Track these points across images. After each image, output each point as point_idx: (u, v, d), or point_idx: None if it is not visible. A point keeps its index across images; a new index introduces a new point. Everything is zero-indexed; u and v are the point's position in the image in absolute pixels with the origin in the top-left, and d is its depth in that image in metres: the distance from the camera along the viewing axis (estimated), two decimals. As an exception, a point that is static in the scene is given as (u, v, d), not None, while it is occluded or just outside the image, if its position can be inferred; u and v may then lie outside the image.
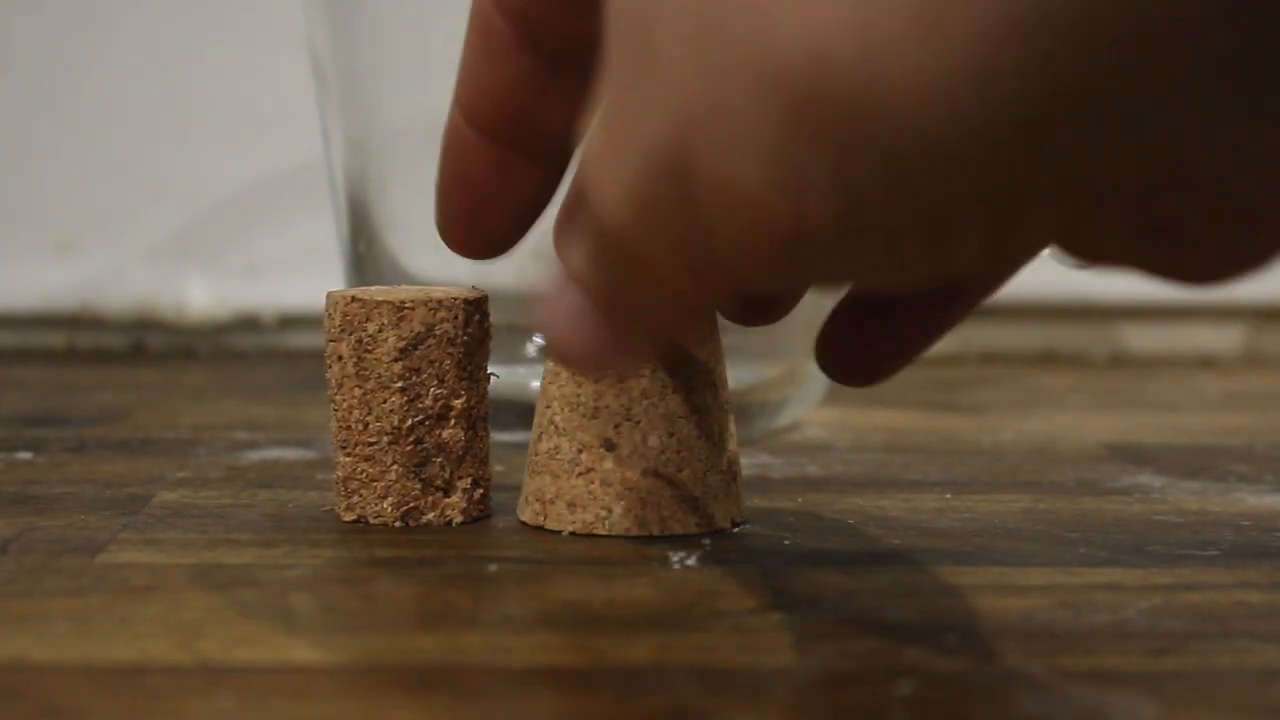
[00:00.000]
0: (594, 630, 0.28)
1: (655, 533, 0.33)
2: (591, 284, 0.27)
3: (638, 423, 0.33)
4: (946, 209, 0.21)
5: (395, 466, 0.34)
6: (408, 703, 0.24)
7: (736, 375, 0.45)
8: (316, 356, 0.38)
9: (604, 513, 0.33)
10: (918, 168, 0.20)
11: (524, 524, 0.35)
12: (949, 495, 0.38)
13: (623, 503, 0.33)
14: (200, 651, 0.26)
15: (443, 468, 0.34)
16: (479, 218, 0.31)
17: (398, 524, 0.34)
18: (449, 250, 0.32)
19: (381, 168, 0.46)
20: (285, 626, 0.28)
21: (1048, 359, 0.65)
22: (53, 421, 0.48)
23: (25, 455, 0.42)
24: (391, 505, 0.34)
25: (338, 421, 0.35)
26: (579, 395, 0.33)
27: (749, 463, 0.42)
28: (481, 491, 0.35)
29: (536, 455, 0.34)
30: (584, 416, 0.33)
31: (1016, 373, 0.60)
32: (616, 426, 0.33)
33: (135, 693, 0.25)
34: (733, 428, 0.34)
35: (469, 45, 0.30)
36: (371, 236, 0.46)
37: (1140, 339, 0.66)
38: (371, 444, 0.34)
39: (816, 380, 0.47)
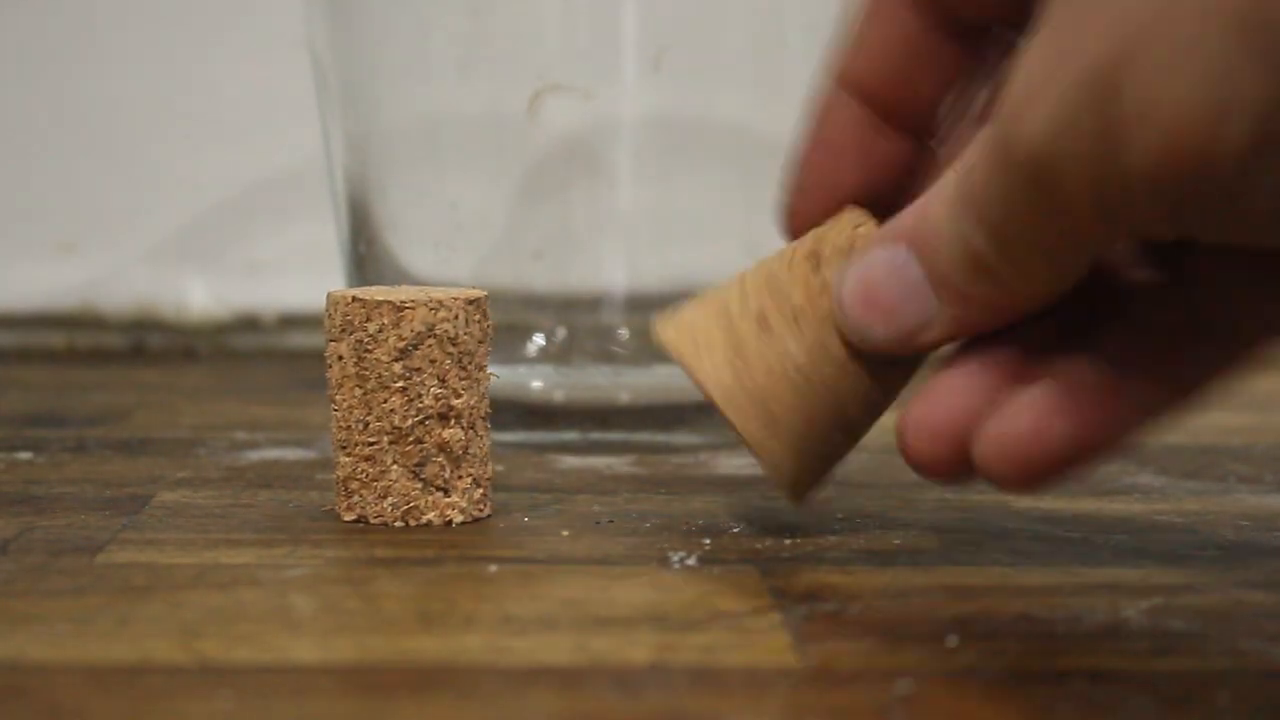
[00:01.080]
0: (594, 630, 0.28)
1: (734, 425, 0.31)
2: (963, 239, 0.27)
3: (800, 333, 0.31)
4: None
5: (395, 466, 0.34)
6: (408, 703, 0.24)
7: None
8: (316, 356, 0.38)
9: (714, 369, 0.31)
10: None
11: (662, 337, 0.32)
12: (949, 495, 0.38)
13: (734, 378, 0.31)
14: (200, 651, 0.26)
15: (443, 468, 0.34)
16: (834, 190, 0.32)
17: (398, 524, 0.34)
18: (787, 225, 0.32)
19: (381, 168, 0.46)
20: (285, 626, 0.28)
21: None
22: (53, 421, 0.48)
23: (25, 455, 0.42)
24: (391, 505, 0.34)
25: (338, 421, 0.35)
26: (779, 276, 0.31)
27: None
28: (481, 491, 0.35)
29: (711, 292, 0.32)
30: (770, 291, 0.31)
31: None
32: (779, 317, 0.31)
33: (135, 693, 0.25)
34: (861, 431, 0.32)
35: (861, 13, 0.31)
36: (371, 236, 0.46)
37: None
38: (371, 444, 0.34)
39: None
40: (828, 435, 0.31)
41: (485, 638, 0.27)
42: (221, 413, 0.50)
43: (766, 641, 0.27)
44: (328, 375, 0.35)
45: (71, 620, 0.28)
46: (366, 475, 0.34)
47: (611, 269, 0.46)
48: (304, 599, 0.29)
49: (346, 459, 0.35)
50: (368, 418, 0.34)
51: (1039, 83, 0.25)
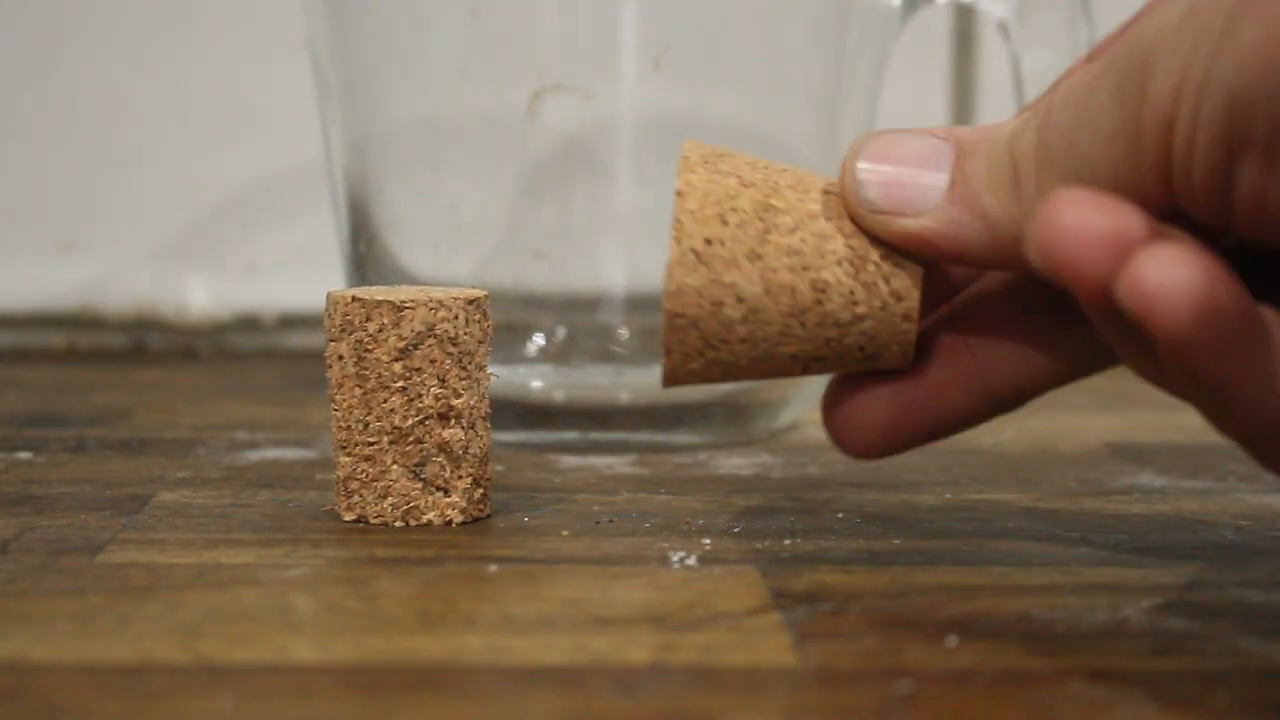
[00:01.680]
0: (594, 630, 0.28)
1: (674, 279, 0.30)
2: (1012, 140, 0.28)
3: (821, 230, 0.30)
4: None
5: (395, 466, 0.34)
6: (408, 703, 0.24)
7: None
8: (316, 356, 0.38)
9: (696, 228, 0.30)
10: None
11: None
12: (949, 495, 0.38)
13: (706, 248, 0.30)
14: (200, 651, 0.26)
15: (443, 468, 0.34)
16: None
17: (398, 524, 0.34)
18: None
19: (381, 168, 0.46)
20: (285, 626, 0.28)
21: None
22: (53, 421, 0.48)
23: (25, 455, 0.42)
24: (391, 505, 0.34)
25: (338, 421, 0.35)
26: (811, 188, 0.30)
27: (749, 462, 0.42)
28: (481, 491, 0.35)
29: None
30: (801, 192, 0.30)
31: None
32: (786, 217, 0.30)
33: (135, 693, 0.25)
34: (780, 373, 0.31)
35: None
36: (371, 236, 0.46)
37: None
38: (371, 444, 0.34)
39: (817, 380, 0.47)
40: (750, 354, 0.31)
41: (485, 638, 0.27)
42: (221, 413, 0.50)
43: (766, 641, 0.27)
44: (328, 375, 0.35)
45: (71, 620, 0.28)
46: (366, 475, 0.34)
47: (611, 269, 0.46)
48: (304, 599, 0.29)
49: (346, 459, 0.35)
50: (368, 418, 0.34)
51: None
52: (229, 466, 0.41)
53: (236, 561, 0.32)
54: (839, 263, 0.30)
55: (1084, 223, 0.24)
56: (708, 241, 0.30)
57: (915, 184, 0.29)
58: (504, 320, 0.44)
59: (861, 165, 0.30)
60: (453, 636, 0.27)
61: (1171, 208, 0.26)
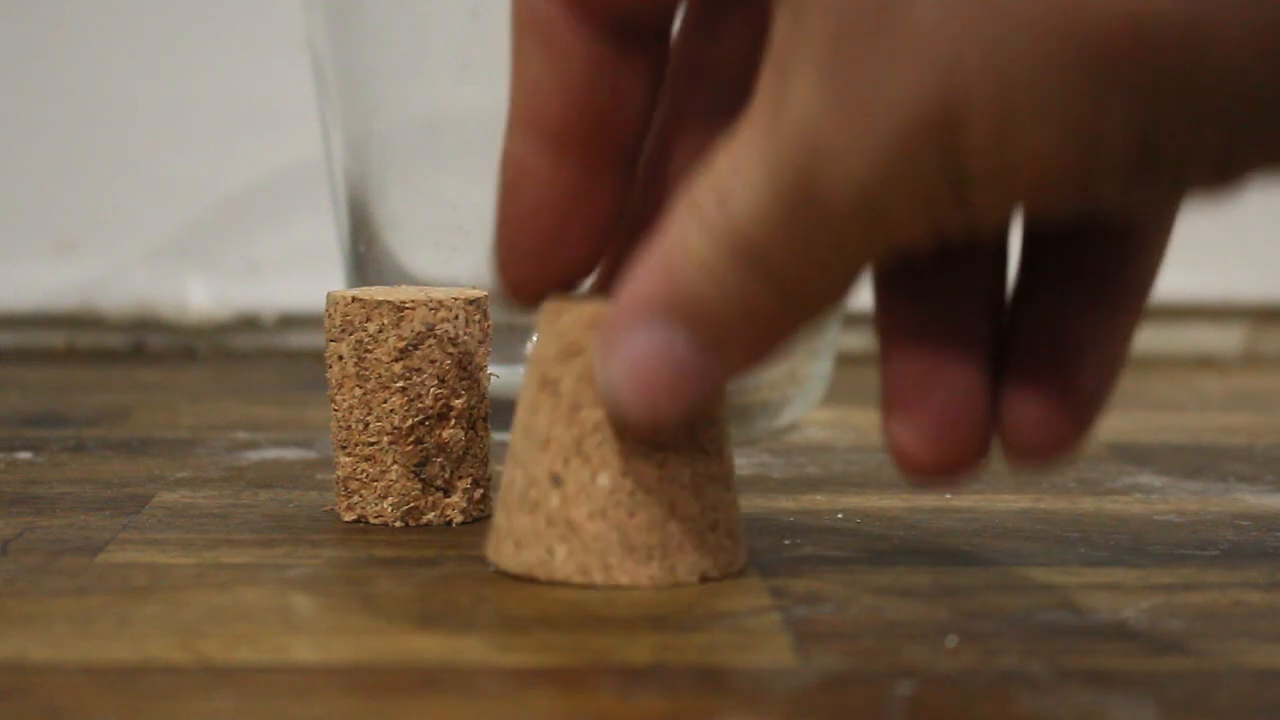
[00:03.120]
0: (594, 630, 0.28)
1: (599, 581, 0.30)
2: (743, 294, 0.25)
3: (588, 458, 0.30)
4: (1233, 138, 0.22)
5: (395, 466, 0.34)
6: (408, 703, 0.24)
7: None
8: (316, 356, 0.38)
9: (546, 555, 0.30)
10: (1223, 105, 0.22)
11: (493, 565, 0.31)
12: (949, 495, 0.38)
13: (566, 545, 0.30)
14: (200, 651, 0.26)
15: (443, 468, 0.34)
16: (554, 253, 0.29)
17: (398, 524, 0.34)
18: (513, 299, 0.30)
19: (381, 168, 0.46)
20: (285, 626, 0.28)
21: (1048, 359, 0.65)
22: (53, 421, 0.48)
23: (25, 455, 0.42)
24: (391, 505, 0.34)
25: (338, 422, 0.35)
26: (534, 423, 0.30)
27: (749, 462, 0.42)
28: (481, 492, 0.35)
29: (501, 487, 0.32)
30: (537, 447, 0.30)
31: (1016, 373, 0.60)
32: (565, 460, 0.30)
33: (135, 693, 0.25)
34: (721, 469, 0.31)
35: (520, 54, 0.28)
36: (371, 236, 0.46)
37: (1140, 339, 0.66)
38: (372, 444, 0.34)
39: (816, 380, 0.47)
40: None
41: (485, 638, 0.27)
42: (221, 413, 0.50)
43: (766, 641, 0.27)
44: (328, 375, 0.35)
45: (71, 620, 0.28)
46: (366, 475, 0.34)
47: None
48: (304, 599, 0.29)
49: (346, 459, 0.35)
50: (368, 418, 0.34)
51: (851, 128, 0.23)
52: (229, 466, 0.41)
53: (236, 561, 0.32)
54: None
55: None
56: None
57: (693, 385, 0.27)
58: (504, 320, 0.44)
59: (638, 412, 0.27)
60: (453, 636, 0.27)
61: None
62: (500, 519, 0.31)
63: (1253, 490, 0.39)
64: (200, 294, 0.67)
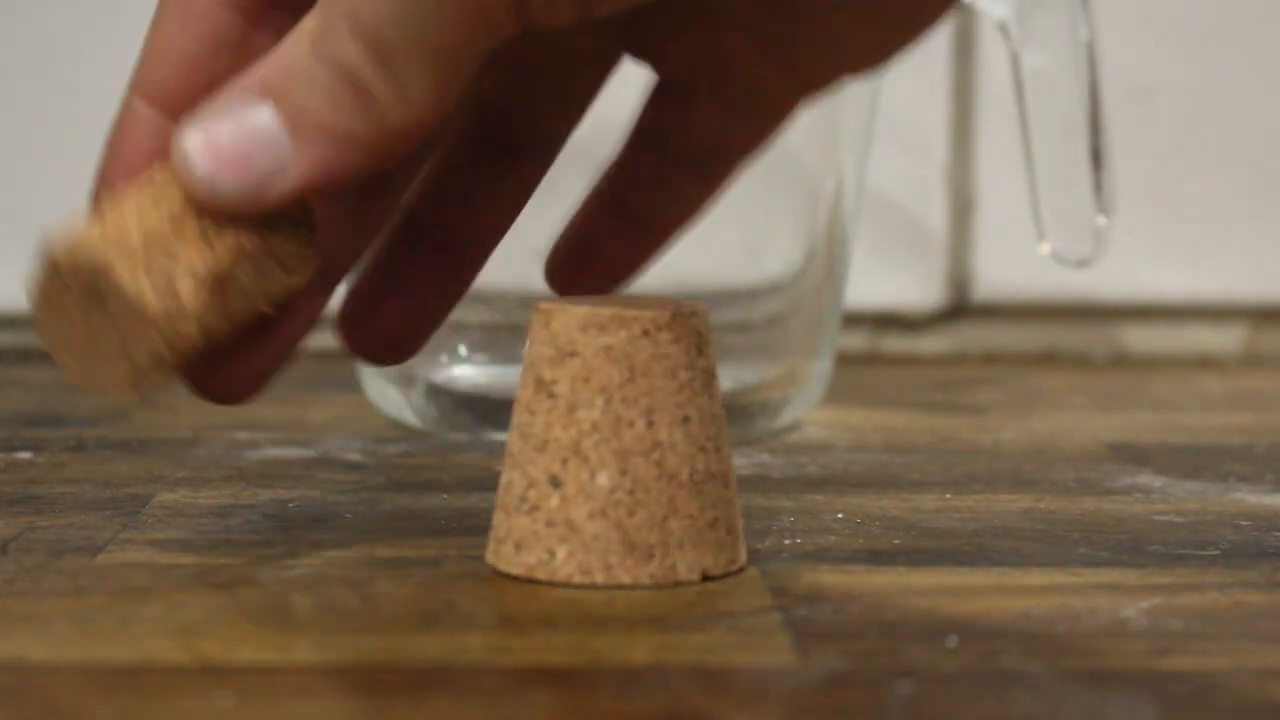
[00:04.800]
0: (594, 630, 0.28)
1: (600, 581, 0.30)
2: (331, 58, 0.26)
3: (586, 459, 0.30)
4: None
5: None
6: (408, 703, 0.24)
7: (736, 375, 0.45)
8: (316, 357, 0.38)
9: (546, 556, 0.30)
10: None
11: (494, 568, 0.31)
12: (949, 495, 0.38)
13: (566, 546, 0.30)
14: (200, 651, 0.26)
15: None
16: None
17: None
18: None
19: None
20: (285, 626, 0.28)
21: (1048, 359, 0.65)
22: (53, 421, 0.48)
23: (25, 455, 0.42)
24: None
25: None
26: (531, 425, 0.30)
27: (749, 462, 0.42)
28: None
29: (499, 489, 0.32)
30: (534, 449, 0.30)
31: (1016, 373, 0.60)
32: (564, 461, 0.30)
33: (135, 693, 0.25)
34: (720, 467, 0.31)
35: (159, 18, 0.29)
36: (371, 236, 0.46)
37: (1140, 339, 0.66)
38: None
39: (816, 380, 0.47)
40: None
41: (485, 638, 0.27)
42: (221, 413, 0.50)
43: (766, 641, 0.27)
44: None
45: (71, 620, 0.28)
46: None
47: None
48: (304, 599, 0.29)
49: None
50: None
51: None
52: (229, 466, 0.41)
53: (236, 561, 0.32)
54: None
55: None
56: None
57: (258, 157, 0.27)
58: (504, 320, 0.44)
59: (199, 169, 0.27)
60: (453, 636, 0.27)
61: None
62: (499, 521, 0.31)
63: (1253, 490, 0.39)
64: (200, 294, 0.67)
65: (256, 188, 0.27)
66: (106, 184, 0.30)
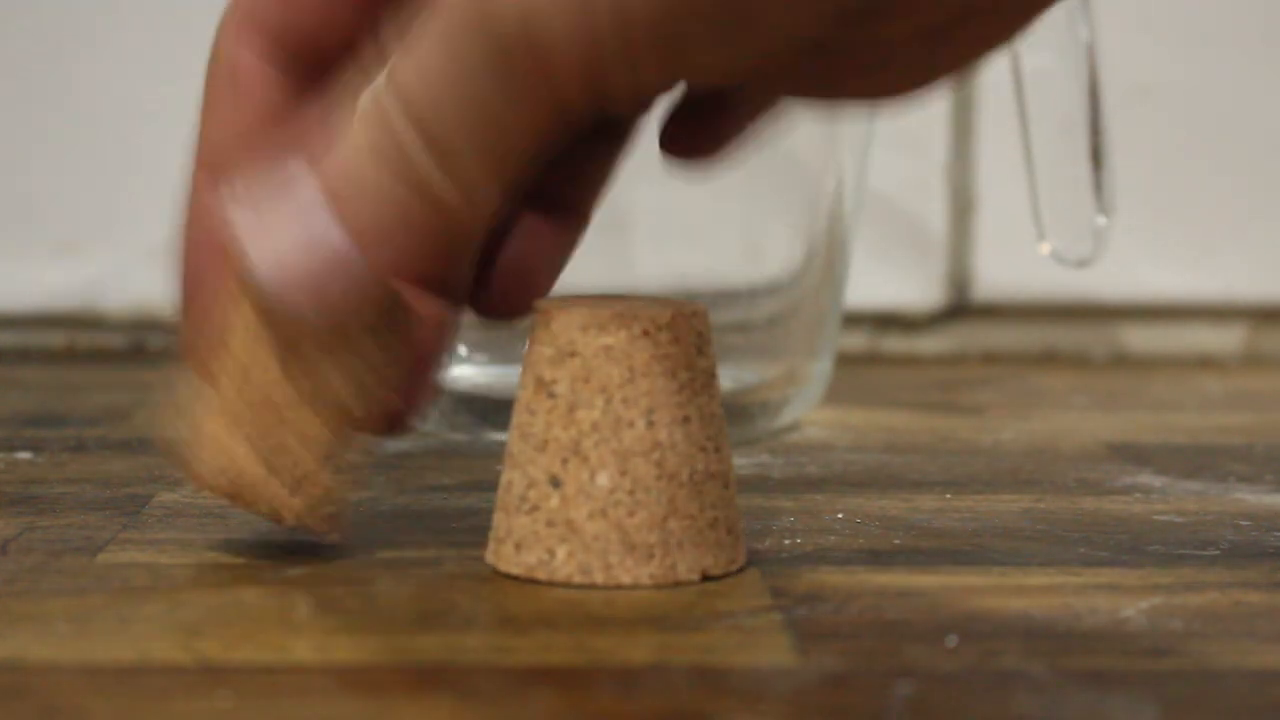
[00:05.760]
0: (594, 630, 0.28)
1: (600, 581, 0.30)
2: (393, 149, 0.26)
3: (586, 459, 0.30)
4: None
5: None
6: (408, 703, 0.24)
7: (736, 375, 0.45)
8: (316, 356, 0.37)
9: (546, 556, 0.30)
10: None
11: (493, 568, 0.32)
12: (949, 495, 0.38)
13: (566, 546, 0.30)
14: (200, 651, 0.26)
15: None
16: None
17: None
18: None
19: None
20: (285, 626, 0.28)
21: (1048, 359, 0.65)
22: (53, 421, 0.48)
23: (25, 455, 0.42)
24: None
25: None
26: (531, 425, 0.30)
27: (749, 462, 0.42)
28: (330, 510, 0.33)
29: (499, 489, 0.32)
30: (534, 449, 0.31)
31: (1016, 373, 0.60)
32: (564, 461, 0.30)
33: (135, 693, 0.25)
34: (720, 467, 0.31)
35: (210, 96, 0.29)
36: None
37: (1140, 339, 0.66)
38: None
39: (816, 380, 0.47)
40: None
41: (485, 638, 0.27)
42: (221, 413, 0.50)
43: (766, 641, 0.27)
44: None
45: (71, 620, 0.28)
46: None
47: (612, 269, 0.46)
48: (304, 599, 0.29)
49: None
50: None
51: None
52: (229, 466, 0.41)
53: (236, 561, 0.32)
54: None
55: None
56: None
57: (324, 268, 0.27)
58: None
59: (284, 302, 0.27)
60: (453, 636, 0.27)
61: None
62: (499, 521, 0.31)
63: (1253, 490, 0.39)
64: (200, 294, 0.67)
65: (331, 310, 0.27)
66: (189, 266, 0.31)
